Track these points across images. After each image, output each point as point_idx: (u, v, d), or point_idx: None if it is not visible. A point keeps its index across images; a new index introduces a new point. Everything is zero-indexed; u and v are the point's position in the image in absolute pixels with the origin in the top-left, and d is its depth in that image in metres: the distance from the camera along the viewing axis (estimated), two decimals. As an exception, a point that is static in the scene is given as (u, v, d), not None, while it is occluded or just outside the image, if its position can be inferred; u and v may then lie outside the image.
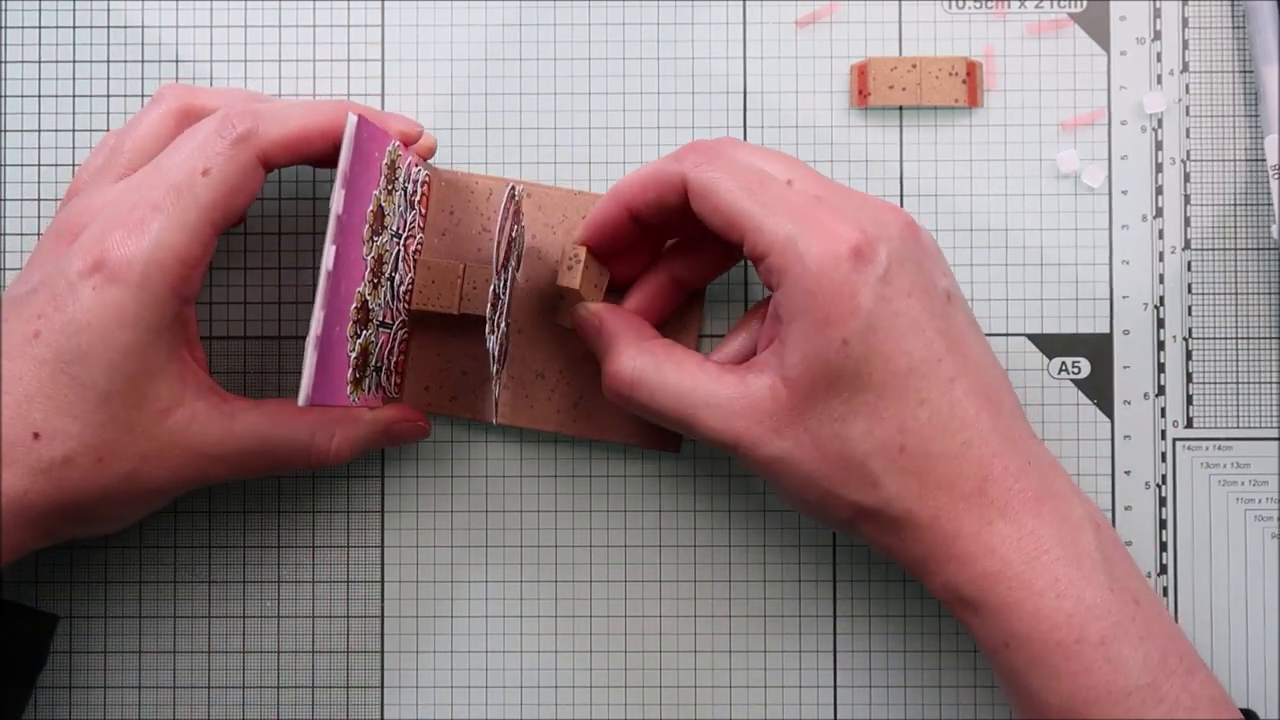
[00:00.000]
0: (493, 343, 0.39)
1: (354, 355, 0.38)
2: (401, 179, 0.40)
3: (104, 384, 0.36)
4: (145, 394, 0.37)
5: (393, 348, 0.42)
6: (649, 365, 0.39)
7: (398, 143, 0.39)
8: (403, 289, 0.41)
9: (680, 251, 0.42)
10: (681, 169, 0.38)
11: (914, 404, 0.36)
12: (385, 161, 0.38)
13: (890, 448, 0.36)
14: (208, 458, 0.38)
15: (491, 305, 0.39)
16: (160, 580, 0.44)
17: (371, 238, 0.38)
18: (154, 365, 0.37)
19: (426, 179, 0.43)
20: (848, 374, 0.36)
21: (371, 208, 0.37)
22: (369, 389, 0.40)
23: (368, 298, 0.38)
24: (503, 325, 0.40)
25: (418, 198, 0.42)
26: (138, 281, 0.36)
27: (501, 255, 0.39)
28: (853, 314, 0.35)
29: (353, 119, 0.35)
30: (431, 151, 0.42)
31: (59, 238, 0.38)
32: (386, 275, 0.39)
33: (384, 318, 0.40)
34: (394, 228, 0.39)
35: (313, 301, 0.35)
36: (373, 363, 0.40)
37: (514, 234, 0.41)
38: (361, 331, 0.38)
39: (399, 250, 0.40)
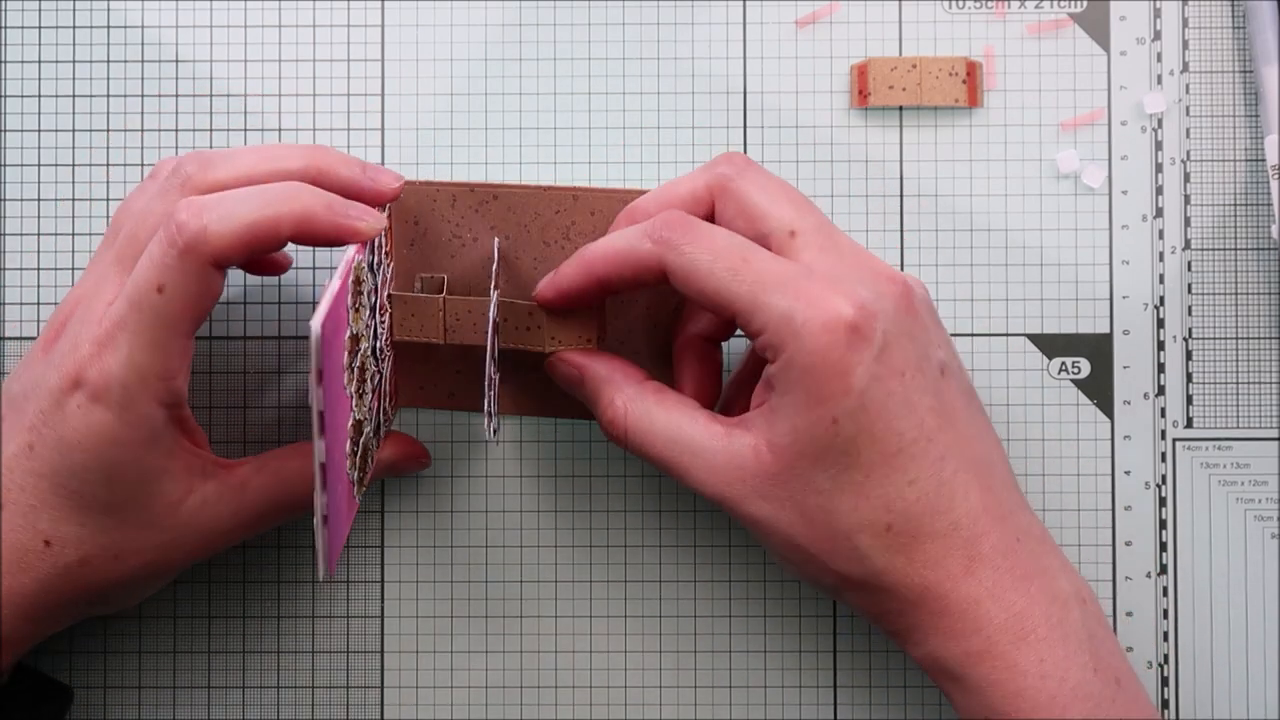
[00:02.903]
0: (491, 369, 0.39)
1: (353, 463, 0.38)
2: (370, 264, 0.38)
3: (105, 496, 0.36)
4: (151, 495, 0.37)
5: (383, 380, 0.41)
6: (640, 410, 0.38)
7: (355, 252, 0.37)
8: (384, 329, 0.40)
9: (694, 310, 0.41)
10: (657, 252, 0.36)
11: (902, 484, 0.36)
12: (351, 280, 0.36)
13: (877, 526, 0.36)
14: (223, 533, 0.39)
15: (489, 340, 0.39)
16: (160, 580, 0.44)
17: (350, 364, 0.36)
18: (155, 470, 0.37)
19: (388, 219, 0.41)
20: (835, 451, 0.35)
21: (346, 337, 0.36)
22: (370, 461, 0.40)
23: (354, 410, 0.37)
24: (491, 365, 0.40)
25: (385, 250, 0.40)
26: (120, 403, 0.35)
27: (493, 310, 0.39)
28: (845, 393, 0.35)
29: (316, 330, 0.32)
30: (396, 197, 0.40)
31: (47, 331, 0.37)
32: (374, 350, 0.39)
33: (369, 418, 0.39)
34: (366, 316, 0.38)
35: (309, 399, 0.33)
36: (364, 441, 0.39)
37: (496, 269, 0.41)
38: (358, 441, 0.38)
39: (379, 297, 0.39)
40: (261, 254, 0.37)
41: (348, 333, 0.36)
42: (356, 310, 0.37)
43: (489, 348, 0.40)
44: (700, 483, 0.37)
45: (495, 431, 0.42)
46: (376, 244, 0.39)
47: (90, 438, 0.35)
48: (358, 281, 0.37)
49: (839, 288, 0.35)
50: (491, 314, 0.40)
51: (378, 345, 0.39)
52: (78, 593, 0.37)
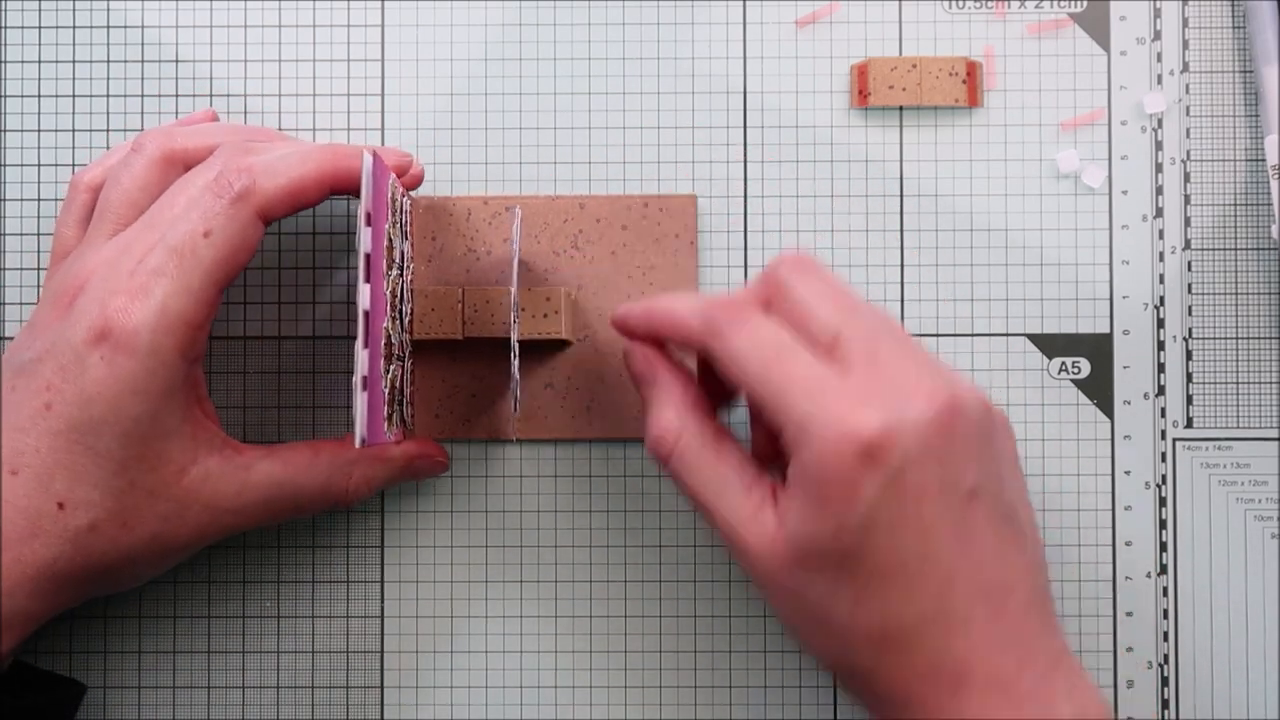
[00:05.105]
0: (516, 366, 0.40)
1: (386, 391, 0.38)
2: (399, 212, 0.40)
3: (120, 452, 0.36)
4: (160, 457, 0.37)
5: (405, 379, 0.42)
6: (693, 449, 0.38)
7: (394, 176, 0.39)
8: (407, 320, 0.41)
9: None
10: (703, 335, 0.37)
11: (900, 602, 0.35)
12: (389, 195, 0.38)
13: (872, 633, 0.35)
14: (227, 511, 0.39)
15: (513, 322, 0.40)
16: (160, 580, 0.44)
17: (388, 272, 0.38)
18: (167, 428, 0.37)
19: (411, 208, 0.43)
20: (835, 559, 0.35)
21: (385, 243, 0.37)
22: (396, 423, 0.40)
23: (390, 333, 0.38)
24: (516, 344, 0.40)
25: (409, 228, 0.42)
26: (146, 350, 0.36)
27: (516, 277, 0.40)
28: (850, 510, 0.34)
29: (369, 158, 0.35)
30: (419, 182, 0.42)
31: (57, 301, 0.38)
32: (398, 309, 0.39)
33: (398, 351, 0.40)
34: (399, 261, 0.40)
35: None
36: (398, 397, 0.40)
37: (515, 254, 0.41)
38: (389, 368, 0.38)
39: (403, 282, 0.40)
40: (304, 207, 0.38)
41: (385, 241, 0.37)
42: (394, 226, 0.39)
43: (513, 333, 0.40)
44: (724, 536, 0.37)
45: (517, 424, 0.43)
46: (401, 207, 0.40)
47: (112, 388, 0.36)
48: (394, 210, 0.39)
49: (865, 402, 0.34)
50: (511, 304, 0.40)
51: (402, 309, 0.40)
52: (85, 562, 0.37)
